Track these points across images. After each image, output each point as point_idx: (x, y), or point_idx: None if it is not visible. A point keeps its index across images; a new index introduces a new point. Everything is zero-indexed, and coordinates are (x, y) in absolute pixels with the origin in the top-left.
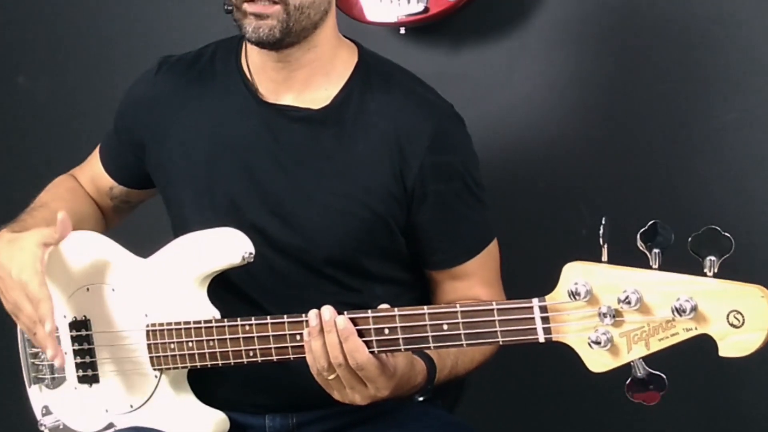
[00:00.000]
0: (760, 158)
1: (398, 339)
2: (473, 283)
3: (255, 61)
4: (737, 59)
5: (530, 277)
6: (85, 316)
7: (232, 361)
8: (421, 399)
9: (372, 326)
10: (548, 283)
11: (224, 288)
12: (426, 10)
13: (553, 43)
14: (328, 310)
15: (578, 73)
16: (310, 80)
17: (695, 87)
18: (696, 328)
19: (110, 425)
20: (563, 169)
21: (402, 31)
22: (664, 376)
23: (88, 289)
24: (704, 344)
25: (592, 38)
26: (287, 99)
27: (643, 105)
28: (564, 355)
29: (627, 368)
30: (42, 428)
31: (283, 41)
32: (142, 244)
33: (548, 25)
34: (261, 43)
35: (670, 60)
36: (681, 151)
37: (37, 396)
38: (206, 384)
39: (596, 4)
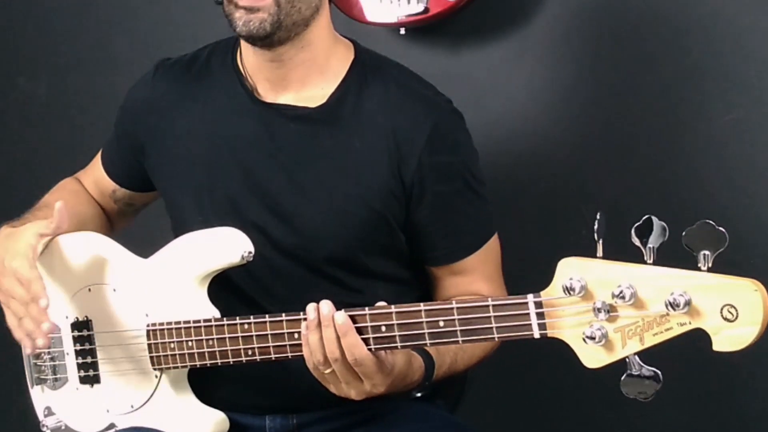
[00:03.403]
0: (758, 158)
1: (395, 336)
2: (474, 278)
3: (251, 62)
4: (737, 60)
5: (531, 277)
6: (86, 316)
7: (231, 360)
8: (418, 395)
9: (369, 324)
10: (549, 283)
11: (225, 289)
12: (426, 10)
13: (553, 43)
14: (326, 305)
15: (578, 73)
16: (306, 79)
17: (695, 87)
18: (690, 323)
19: (111, 425)
20: (564, 169)
21: (402, 31)
22: (659, 372)
23: (89, 290)
24: (700, 342)
25: (592, 38)
26: (284, 98)
27: (643, 105)
28: (566, 357)
29: (625, 365)
30: (44, 429)
31: (274, 35)
32: (144, 244)
33: (548, 25)
34: (251, 37)
35: (670, 60)
36: (681, 152)
37: (40, 397)
38: (206, 384)
39: (596, 5)
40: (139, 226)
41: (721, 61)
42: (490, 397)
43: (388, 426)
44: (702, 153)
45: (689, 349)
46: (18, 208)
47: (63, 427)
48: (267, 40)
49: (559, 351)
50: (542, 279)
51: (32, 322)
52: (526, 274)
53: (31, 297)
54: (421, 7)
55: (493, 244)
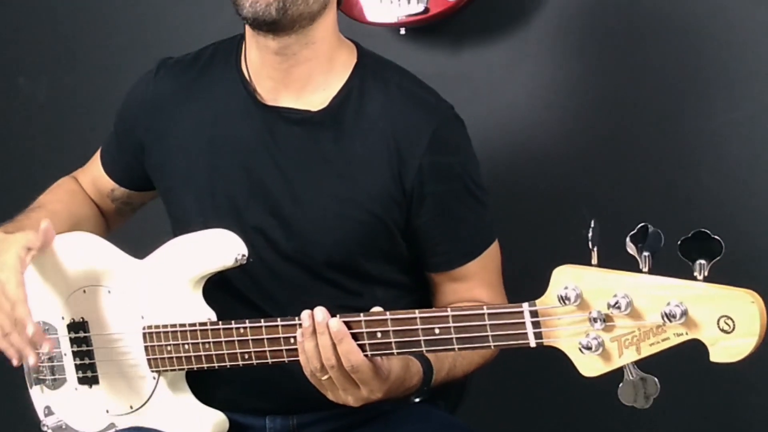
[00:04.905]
0: (759, 159)
1: (390, 342)
2: (473, 284)
3: (254, 60)
4: (738, 59)
5: (531, 279)
6: (82, 317)
7: (227, 363)
8: (417, 400)
9: (365, 330)
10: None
11: (225, 292)
12: (426, 10)
13: (553, 44)
14: (321, 312)
15: (579, 74)
16: (308, 80)
17: (696, 87)
18: (687, 333)
19: (111, 425)
20: (564, 171)
21: (402, 31)
22: (656, 380)
23: (84, 291)
24: (698, 348)
25: (593, 38)
26: (286, 101)
27: (644, 105)
28: (566, 360)
29: (622, 371)
30: (45, 428)
31: (279, 23)
32: (140, 245)
33: (548, 25)
34: (257, 21)
35: (671, 60)
36: (681, 154)
37: (39, 397)
38: (206, 386)
39: (596, 4)
40: (135, 227)
41: (721, 61)
42: (491, 398)
43: (388, 426)
44: (702, 155)
45: (687, 355)
46: (17, 208)
47: (63, 426)
48: (273, 25)
49: (559, 354)
50: (542, 280)
51: (21, 341)
52: (526, 275)
53: (16, 320)
54: (421, 7)
55: (493, 251)
